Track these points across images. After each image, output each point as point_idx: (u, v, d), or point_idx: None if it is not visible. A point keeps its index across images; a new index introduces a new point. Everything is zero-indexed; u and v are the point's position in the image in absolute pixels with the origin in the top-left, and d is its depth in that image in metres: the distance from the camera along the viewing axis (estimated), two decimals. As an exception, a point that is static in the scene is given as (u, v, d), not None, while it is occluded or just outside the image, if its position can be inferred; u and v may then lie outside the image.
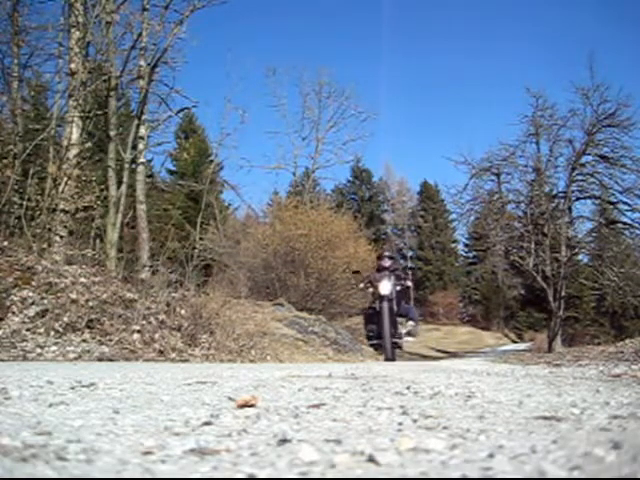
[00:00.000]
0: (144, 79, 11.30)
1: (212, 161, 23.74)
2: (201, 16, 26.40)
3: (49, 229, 7.51)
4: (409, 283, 8.40)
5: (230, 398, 1.04)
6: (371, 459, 0.55)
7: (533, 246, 17.88)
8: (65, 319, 4.62)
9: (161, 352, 4.94)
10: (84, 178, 8.65)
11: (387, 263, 8.16)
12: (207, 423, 0.77)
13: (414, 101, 73.08)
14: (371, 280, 8.02)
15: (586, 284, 21.58)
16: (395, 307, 7.56)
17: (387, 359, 7.26)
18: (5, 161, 7.22)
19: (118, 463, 0.53)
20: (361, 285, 8.50)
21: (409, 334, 7.97)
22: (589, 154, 18.24)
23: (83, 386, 1.27)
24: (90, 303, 4.95)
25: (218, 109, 46.37)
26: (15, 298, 4.62)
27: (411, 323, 7.98)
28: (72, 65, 9.24)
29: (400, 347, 7.98)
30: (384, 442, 0.64)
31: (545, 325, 22.90)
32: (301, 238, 15.60)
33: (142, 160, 12.27)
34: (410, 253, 43.06)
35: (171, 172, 27.74)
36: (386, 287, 7.54)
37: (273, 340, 8.63)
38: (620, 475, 0.48)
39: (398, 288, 7.75)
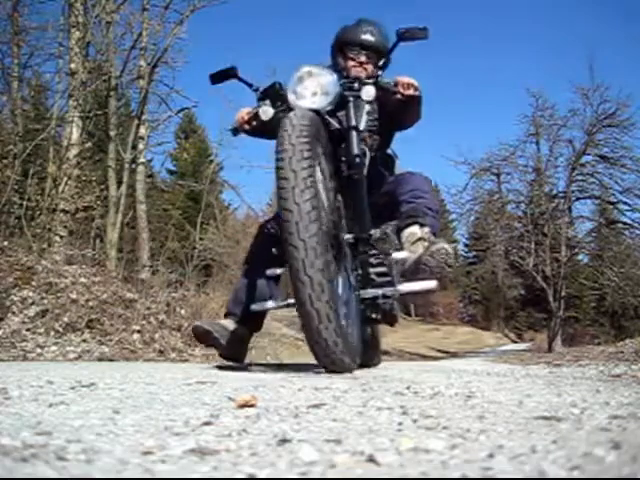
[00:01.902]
0: (144, 79, 11.30)
1: (212, 161, 23.74)
2: (201, 16, 26.48)
3: (49, 229, 7.51)
4: (409, 79, 2.47)
5: (230, 398, 1.04)
6: (371, 459, 0.55)
7: (533, 246, 17.90)
8: (65, 319, 4.62)
9: (161, 352, 4.94)
10: (84, 178, 8.66)
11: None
12: (207, 423, 0.77)
13: (414, 101, 73.01)
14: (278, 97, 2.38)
15: (586, 284, 21.60)
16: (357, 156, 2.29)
17: (327, 366, 1.96)
18: (5, 161, 7.22)
19: (118, 463, 0.53)
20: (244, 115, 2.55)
21: (418, 269, 2.28)
22: (589, 154, 18.27)
23: (83, 386, 1.27)
24: (90, 303, 4.95)
25: (218, 109, 46.47)
26: (15, 298, 4.63)
27: (425, 232, 2.40)
28: (72, 65, 9.25)
29: (391, 319, 3.06)
30: (384, 442, 0.64)
31: (545, 325, 22.91)
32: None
33: (142, 160, 12.27)
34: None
35: (171, 172, 27.74)
36: (318, 87, 2.26)
37: (273, 340, 8.63)
38: (620, 475, 0.48)
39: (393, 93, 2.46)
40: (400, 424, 0.77)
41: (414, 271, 2.36)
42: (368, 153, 2.51)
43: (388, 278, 2.78)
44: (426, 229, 2.44)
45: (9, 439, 0.59)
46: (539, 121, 18.68)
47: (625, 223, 18.31)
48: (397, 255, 2.52)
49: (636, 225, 17.74)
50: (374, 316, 2.92)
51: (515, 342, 36.09)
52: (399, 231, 2.52)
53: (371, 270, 2.74)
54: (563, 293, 18.12)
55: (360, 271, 2.63)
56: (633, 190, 17.32)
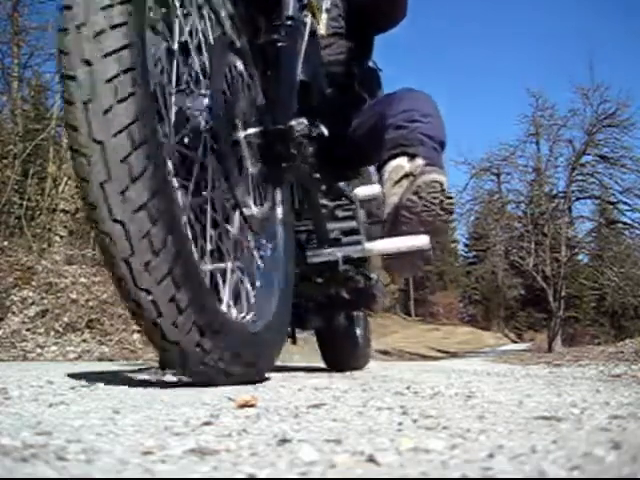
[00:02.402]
0: (144, 79, 11.31)
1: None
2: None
3: (49, 229, 7.51)
4: None
5: (230, 398, 1.04)
6: (371, 459, 0.55)
7: (533, 246, 17.92)
8: (65, 319, 4.62)
9: (161, 352, 4.95)
10: (84, 178, 8.64)
11: None
12: (207, 423, 0.77)
13: (414, 101, 73.18)
14: None
15: (586, 284, 21.63)
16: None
17: (171, 367, 1.25)
18: (5, 161, 7.23)
19: (118, 463, 0.53)
20: None
21: (397, 218, 1.53)
22: (589, 154, 18.31)
23: (83, 386, 1.27)
24: (90, 303, 4.95)
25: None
26: (15, 298, 4.63)
27: (416, 165, 1.55)
28: (72, 65, 9.24)
29: (368, 300, 2.14)
30: (384, 442, 0.64)
31: (545, 325, 22.92)
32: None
33: (142, 160, 12.27)
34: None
35: (171, 172, 27.78)
36: None
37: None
38: (620, 475, 0.48)
39: None
40: (400, 424, 0.77)
41: (393, 221, 1.55)
42: (310, 20, 1.60)
43: (360, 237, 1.82)
44: (418, 161, 1.57)
45: (9, 439, 0.59)
46: (539, 121, 18.73)
47: (625, 223, 18.34)
48: (360, 191, 1.68)
49: (636, 225, 17.77)
50: (342, 295, 1.98)
51: (515, 342, 36.08)
52: (380, 167, 1.68)
53: (335, 225, 1.84)
54: (563, 293, 18.14)
55: (308, 216, 1.75)
56: (633, 190, 17.36)
